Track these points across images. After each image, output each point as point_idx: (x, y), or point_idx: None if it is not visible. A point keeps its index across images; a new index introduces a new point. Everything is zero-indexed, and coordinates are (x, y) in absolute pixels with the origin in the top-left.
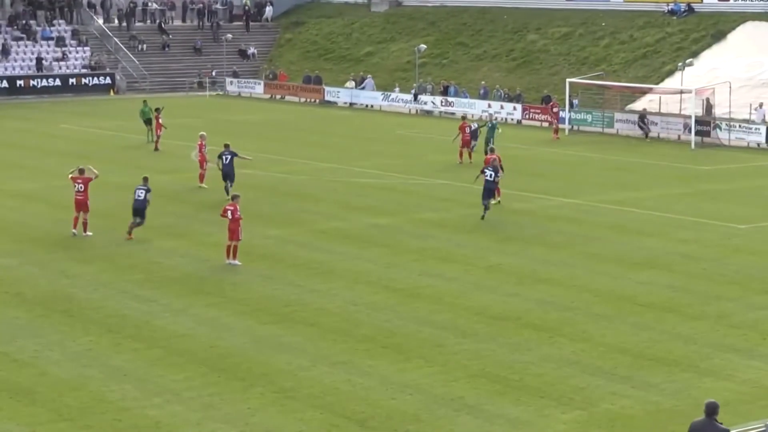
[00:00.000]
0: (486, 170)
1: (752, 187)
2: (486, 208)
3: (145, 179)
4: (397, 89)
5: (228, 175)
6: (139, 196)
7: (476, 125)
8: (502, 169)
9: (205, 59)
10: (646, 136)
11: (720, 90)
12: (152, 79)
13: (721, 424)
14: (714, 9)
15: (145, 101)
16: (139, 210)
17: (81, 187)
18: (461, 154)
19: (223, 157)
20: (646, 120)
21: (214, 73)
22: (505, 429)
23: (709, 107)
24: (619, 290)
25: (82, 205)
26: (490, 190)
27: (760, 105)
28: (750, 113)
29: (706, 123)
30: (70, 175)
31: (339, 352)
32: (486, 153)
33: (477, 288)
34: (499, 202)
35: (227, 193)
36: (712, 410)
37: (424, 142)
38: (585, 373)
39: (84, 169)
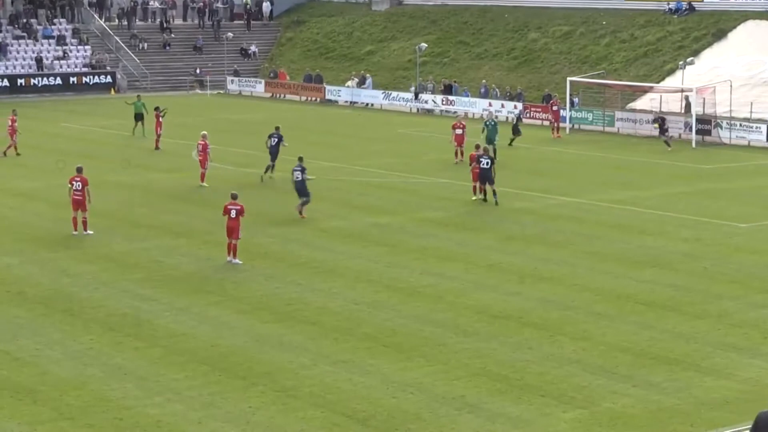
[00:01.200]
0: (482, 159)
1: (753, 186)
2: (485, 191)
3: (300, 158)
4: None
5: (273, 155)
6: (297, 177)
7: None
8: (472, 161)
9: (206, 58)
10: (668, 144)
11: (721, 89)
12: (153, 78)
13: None
14: (715, 7)
15: (138, 96)
16: (301, 190)
17: (79, 185)
18: (463, 153)
19: (271, 138)
20: (664, 124)
21: (198, 71)
22: (507, 428)
23: (687, 105)
24: (620, 289)
25: (79, 204)
26: (487, 177)
27: None
28: (750, 113)
29: (707, 122)
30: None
31: (340, 351)
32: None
33: (478, 287)
34: (485, 199)
35: (270, 170)
36: None
37: (425, 140)
38: (586, 371)
39: (81, 168)
